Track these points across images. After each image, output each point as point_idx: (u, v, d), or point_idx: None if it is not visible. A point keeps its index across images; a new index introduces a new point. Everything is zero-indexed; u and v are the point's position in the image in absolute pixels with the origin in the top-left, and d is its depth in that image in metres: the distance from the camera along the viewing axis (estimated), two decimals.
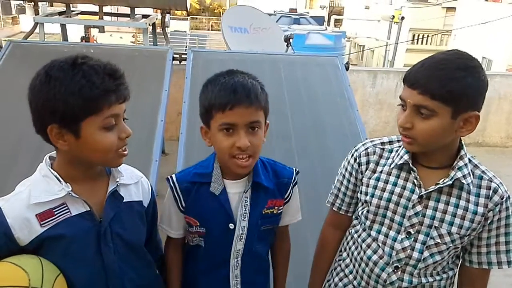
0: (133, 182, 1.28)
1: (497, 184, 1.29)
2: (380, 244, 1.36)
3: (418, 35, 19.72)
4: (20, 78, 2.95)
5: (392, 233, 1.34)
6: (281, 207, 1.41)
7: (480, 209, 1.27)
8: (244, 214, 1.33)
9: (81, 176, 1.16)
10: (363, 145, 1.43)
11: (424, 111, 1.18)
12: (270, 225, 1.41)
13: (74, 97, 1.04)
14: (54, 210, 1.11)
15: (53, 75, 1.06)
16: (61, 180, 1.12)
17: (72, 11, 5.23)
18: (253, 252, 1.38)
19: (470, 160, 1.30)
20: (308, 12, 22.50)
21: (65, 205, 1.13)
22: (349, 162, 1.44)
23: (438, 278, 1.35)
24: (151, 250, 1.36)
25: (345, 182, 1.46)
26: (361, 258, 1.40)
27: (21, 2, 17.71)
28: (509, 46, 13.39)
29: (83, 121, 1.07)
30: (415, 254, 1.31)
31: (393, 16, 17.58)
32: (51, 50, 3.42)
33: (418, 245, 1.31)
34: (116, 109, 1.10)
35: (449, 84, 1.14)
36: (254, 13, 5.75)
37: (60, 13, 5.07)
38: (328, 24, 22.00)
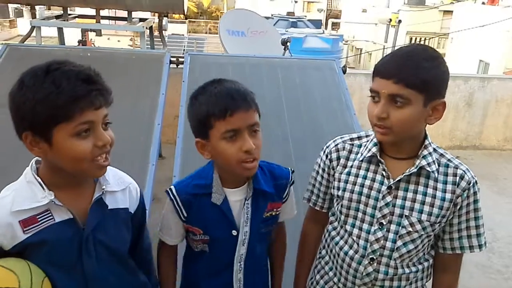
0: (120, 189, 1.26)
1: (463, 170, 1.33)
2: (355, 238, 1.39)
3: (415, 38, 19.79)
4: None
5: (365, 226, 1.37)
6: (280, 208, 1.43)
7: (448, 196, 1.31)
8: (246, 220, 1.34)
9: (65, 183, 1.14)
10: (333, 141, 1.48)
11: (399, 99, 1.22)
12: (270, 226, 1.43)
13: (41, 104, 1.01)
14: (37, 217, 1.10)
15: (25, 82, 1.04)
16: (45, 187, 1.11)
17: (69, 14, 5.22)
18: (255, 254, 1.40)
19: (435, 150, 1.35)
20: (305, 16, 22.62)
21: (49, 211, 1.11)
22: (321, 159, 1.49)
23: (414, 269, 1.38)
24: (141, 254, 1.36)
25: (318, 178, 1.50)
26: (338, 254, 1.43)
27: (19, 5, 17.70)
28: (506, 49, 13.43)
29: (54, 128, 1.04)
30: (389, 244, 1.34)
31: (391, 20, 17.65)
32: (48, 54, 3.41)
33: (391, 235, 1.34)
34: (90, 115, 1.05)
35: (420, 73, 1.20)
36: (251, 17, 5.76)
37: (57, 17, 5.06)
38: (326, 28, 22.05)
